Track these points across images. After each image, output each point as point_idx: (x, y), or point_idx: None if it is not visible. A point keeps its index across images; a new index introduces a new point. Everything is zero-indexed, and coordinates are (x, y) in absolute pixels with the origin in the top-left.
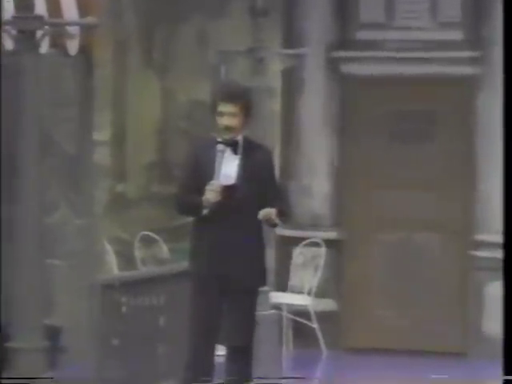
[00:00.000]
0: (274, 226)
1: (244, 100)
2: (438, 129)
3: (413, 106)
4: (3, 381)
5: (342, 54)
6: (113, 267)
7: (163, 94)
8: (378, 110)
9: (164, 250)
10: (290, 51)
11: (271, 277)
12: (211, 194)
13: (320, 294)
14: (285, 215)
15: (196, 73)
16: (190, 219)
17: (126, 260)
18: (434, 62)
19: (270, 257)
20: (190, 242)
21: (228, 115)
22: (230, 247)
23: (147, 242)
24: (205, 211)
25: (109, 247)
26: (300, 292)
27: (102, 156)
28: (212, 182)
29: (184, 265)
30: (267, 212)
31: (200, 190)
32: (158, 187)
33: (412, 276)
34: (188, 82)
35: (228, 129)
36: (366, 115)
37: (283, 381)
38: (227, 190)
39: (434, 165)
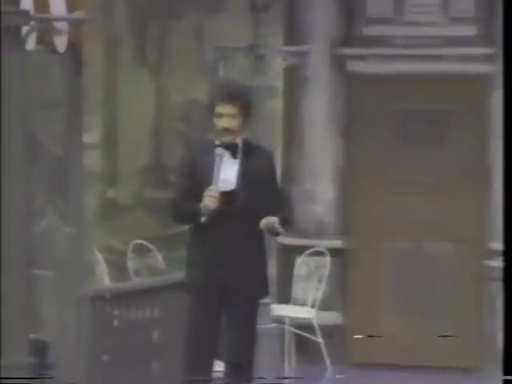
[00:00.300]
0: (277, 234)
1: (243, 100)
2: (450, 130)
3: (422, 105)
4: (3, 381)
5: (348, 50)
6: (104, 278)
7: (157, 94)
8: (386, 110)
9: (158, 259)
10: (293, 48)
11: (272, 288)
12: (209, 201)
13: (324, 306)
14: (288, 223)
15: (192, 71)
16: (187, 227)
17: (118, 270)
18: (445, 60)
19: (272, 266)
20: (187, 250)
21: (227, 116)
22: (229, 256)
23: (140, 250)
24: (203, 219)
25: (99, 256)
26: (303, 304)
27: (92, 159)
28: (210, 187)
29: (180, 275)
30: (270, 221)
31: (197, 197)
32: (152, 192)
33: (422, 287)
34: (184, 81)
35: (227, 131)
36: (373, 115)
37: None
38: (226, 195)
39: (446, 168)
